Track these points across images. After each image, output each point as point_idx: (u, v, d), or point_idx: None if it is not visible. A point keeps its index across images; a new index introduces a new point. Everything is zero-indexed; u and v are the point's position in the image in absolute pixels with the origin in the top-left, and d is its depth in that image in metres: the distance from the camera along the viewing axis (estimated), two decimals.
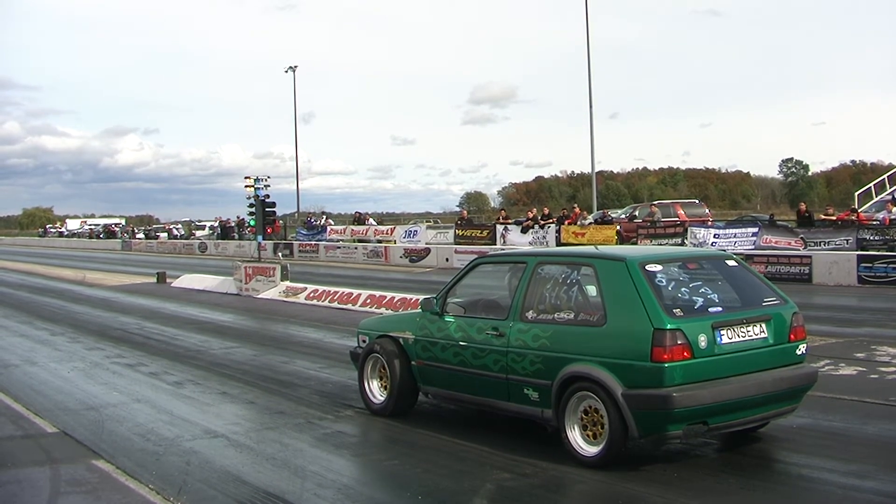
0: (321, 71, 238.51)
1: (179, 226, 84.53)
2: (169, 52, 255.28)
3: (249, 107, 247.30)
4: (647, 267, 7.82)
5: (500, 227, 39.49)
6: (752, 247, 29.03)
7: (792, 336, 8.00)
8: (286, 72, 69.71)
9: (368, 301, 21.04)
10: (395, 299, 20.30)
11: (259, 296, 24.98)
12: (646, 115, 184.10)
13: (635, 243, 33.49)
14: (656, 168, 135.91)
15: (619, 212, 42.72)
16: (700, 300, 7.75)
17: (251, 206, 27.86)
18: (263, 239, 29.66)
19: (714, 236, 30.53)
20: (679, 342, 7.23)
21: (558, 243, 36.05)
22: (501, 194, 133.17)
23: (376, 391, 10.01)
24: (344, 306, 21.47)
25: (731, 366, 7.52)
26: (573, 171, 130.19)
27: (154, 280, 31.10)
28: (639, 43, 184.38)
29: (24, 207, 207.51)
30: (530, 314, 8.29)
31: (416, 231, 44.93)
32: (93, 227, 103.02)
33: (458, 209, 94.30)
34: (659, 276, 7.80)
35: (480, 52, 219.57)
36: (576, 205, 43.63)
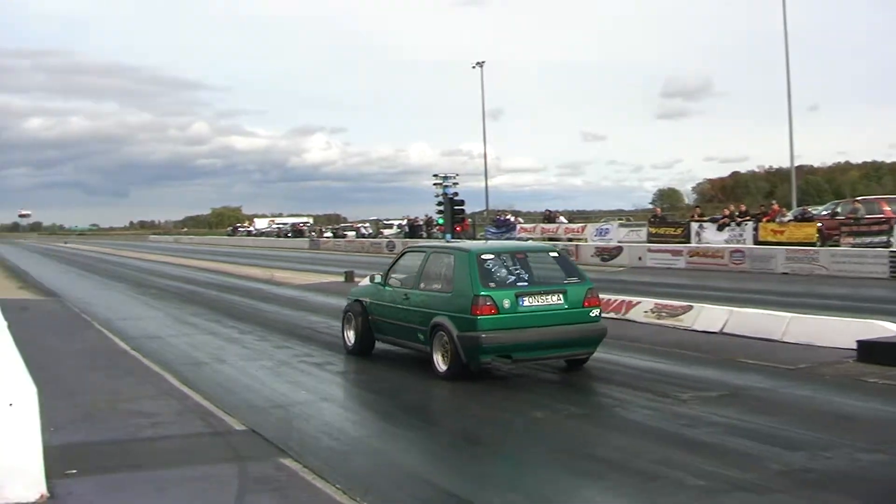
0: (509, 66, 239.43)
1: (367, 224, 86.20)
2: (356, 51, 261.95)
3: (437, 104, 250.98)
4: (481, 256, 12.64)
5: (694, 225, 38.74)
6: None
7: (586, 303, 12.60)
8: (474, 67, 70.51)
9: None
10: None
11: None
12: (848, 105, 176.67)
13: (837, 241, 32.34)
14: (859, 162, 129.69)
15: (820, 208, 41.10)
16: (513, 278, 12.44)
17: (439, 203, 28.26)
18: (452, 237, 29.97)
19: None
20: (488, 303, 12.00)
21: (755, 241, 35.13)
22: (696, 190, 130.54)
23: (350, 337, 15.20)
24: None
25: (529, 320, 12.19)
26: (771, 166, 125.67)
27: (342, 279, 31.72)
28: (839, 27, 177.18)
29: (213, 207, 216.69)
30: (422, 285, 13.35)
31: (608, 229, 44.57)
32: (280, 225, 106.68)
33: (650, 206, 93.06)
34: (488, 262, 12.53)
35: (672, 43, 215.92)
36: (774, 201, 42.25)
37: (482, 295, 12.03)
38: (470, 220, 50.08)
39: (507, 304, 12.10)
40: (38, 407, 6.67)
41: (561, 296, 12.48)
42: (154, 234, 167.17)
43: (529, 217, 67.65)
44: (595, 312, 12.67)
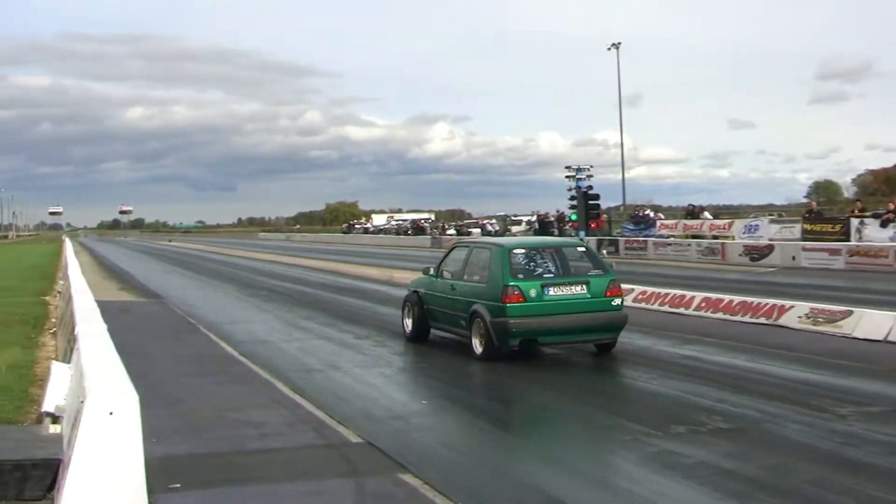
0: (649, 48, 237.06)
1: (493, 221, 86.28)
2: (481, 32, 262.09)
3: (569, 89, 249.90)
4: (512, 250, 15.76)
5: (854, 221, 37.73)
6: None
7: (608, 293, 15.31)
8: (609, 49, 70.04)
9: (703, 304, 20.73)
10: (734, 303, 19.86)
11: None
12: None
13: None
14: None
15: None
16: (540, 270, 15.46)
17: (572, 198, 28.15)
18: (586, 234, 29.82)
19: None
20: (516, 293, 14.84)
21: None
22: (856, 183, 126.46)
23: (408, 325, 18.03)
24: (675, 310, 21.23)
25: (554, 308, 14.97)
26: None
27: None
28: None
29: (328, 202, 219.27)
30: (465, 277, 16.36)
31: (758, 226, 43.80)
32: (400, 222, 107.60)
33: (805, 200, 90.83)
34: (518, 256, 15.59)
35: (828, 20, 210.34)
36: None
37: (511, 285, 15.01)
38: (605, 215, 49.66)
39: (533, 293, 15.04)
40: (140, 416, 6.85)
41: (584, 286, 15.34)
42: (264, 231, 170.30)
43: (670, 212, 66.62)
44: (617, 301, 15.49)
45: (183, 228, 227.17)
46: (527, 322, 14.90)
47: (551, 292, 15.11)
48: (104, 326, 9.71)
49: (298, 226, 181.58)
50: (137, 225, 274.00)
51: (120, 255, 68.38)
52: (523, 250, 15.97)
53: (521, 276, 15.20)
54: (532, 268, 15.55)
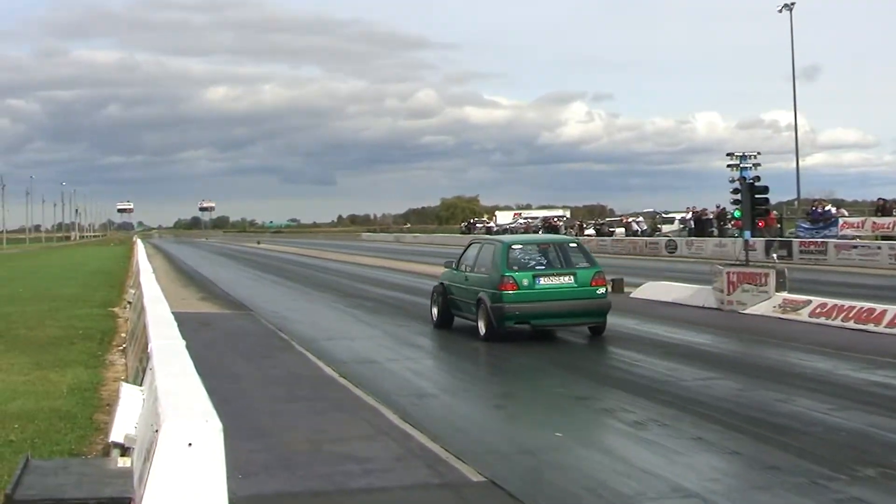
0: (830, 8, 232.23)
1: (640, 219, 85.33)
2: None
3: (731, 61, 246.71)
4: (511, 246, 21.56)
5: None
6: None
7: (593, 283, 20.64)
8: (780, 11, 68.99)
9: None
10: None
11: (746, 311, 24.96)
12: None
13: None
14: None
15: None
16: (533, 262, 21.07)
17: (735, 191, 27.55)
18: (752, 235, 29.32)
19: None
20: (510, 282, 20.29)
21: None
22: None
23: (434, 314, 23.46)
24: (863, 326, 20.90)
25: (544, 295, 20.39)
26: None
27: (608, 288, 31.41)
28: None
29: (443, 197, 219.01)
30: (475, 269, 21.77)
31: None
32: (528, 220, 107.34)
33: None
34: (516, 251, 21.41)
35: None
36: None
37: (506, 275, 20.42)
38: (775, 212, 48.70)
39: (525, 282, 20.43)
40: (224, 448, 6.87)
41: (571, 277, 20.79)
42: (368, 231, 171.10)
43: (856, 208, 65.31)
44: (601, 291, 20.90)
45: (273, 228, 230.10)
46: (520, 307, 20.32)
47: (542, 282, 20.65)
48: (182, 343, 9.78)
49: (409, 225, 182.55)
50: (220, 224, 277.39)
51: (200, 260, 69.74)
52: (521, 246, 22.11)
53: (516, 268, 20.79)
54: (526, 261, 21.24)
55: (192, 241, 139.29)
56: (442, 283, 23.46)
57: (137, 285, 23.50)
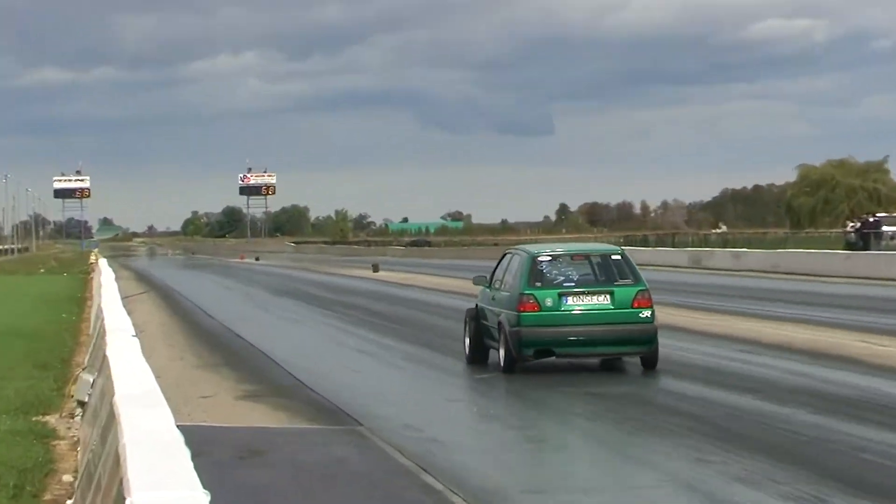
0: None
1: None
2: None
3: None
4: (537, 258, 19.70)
5: None
6: None
7: (635, 304, 19.00)
8: None
9: None
10: None
11: None
12: None
13: None
14: None
15: None
16: (561, 278, 19.58)
17: None
18: None
19: None
20: (530, 301, 18.77)
21: None
22: None
23: (466, 345, 21.20)
24: None
25: (572, 318, 18.97)
26: None
27: None
28: None
29: (802, 163, 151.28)
30: (502, 286, 20.32)
31: None
32: None
33: None
34: (543, 263, 19.64)
35: None
36: None
37: (525, 293, 18.83)
38: None
39: (549, 302, 18.81)
40: None
41: (608, 296, 19.07)
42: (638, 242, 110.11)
43: None
44: (646, 314, 18.93)
45: (415, 232, 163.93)
46: (541, 331, 18.75)
47: (570, 301, 18.99)
48: None
49: (723, 226, 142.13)
50: (289, 223, 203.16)
51: (256, 313, 41.13)
52: (549, 257, 20.02)
53: (538, 283, 19.14)
54: (554, 276, 19.62)
55: (226, 261, 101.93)
56: (476, 306, 21.28)
57: (100, 364, 13.20)
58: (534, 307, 18.40)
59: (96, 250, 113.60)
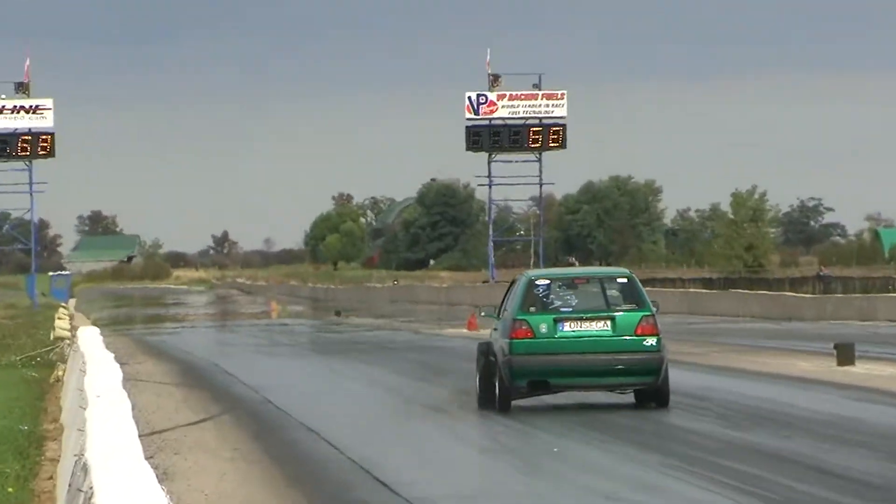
0: None
1: None
2: None
3: None
4: (535, 281, 18.99)
5: None
6: None
7: (638, 331, 17.92)
8: None
9: None
10: None
11: None
12: None
13: None
14: None
15: None
16: (559, 302, 18.55)
17: None
18: None
19: None
20: (523, 328, 17.96)
21: None
22: None
23: (478, 385, 19.46)
24: None
25: (568, 346, 17.93)
26: None
27: None
28: None
29: None
30: (502, 313, 19.35)
31: None
32: None
33: None
34: (540, 287, 18.72)
35: None
36: None
37: (518, 319, 18.08)
38: None
39: (543, 328, 17.98)
40: None
41: (608, 322, 18.14)
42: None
43: None
44: (650, 342, 17.88)
45: None
46: (533, 360, 17.84)
47: (567, 327, 18.06)
48: None
49: None
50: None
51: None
52: (547, 281, 19.17)
53: (532, 309, 18.37)
54: (551, 300, 18.68)
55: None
56: (489, 341, 19.81)
57: None
58: (527, 333, 17.68)
59: (67, 303, 63.20)
